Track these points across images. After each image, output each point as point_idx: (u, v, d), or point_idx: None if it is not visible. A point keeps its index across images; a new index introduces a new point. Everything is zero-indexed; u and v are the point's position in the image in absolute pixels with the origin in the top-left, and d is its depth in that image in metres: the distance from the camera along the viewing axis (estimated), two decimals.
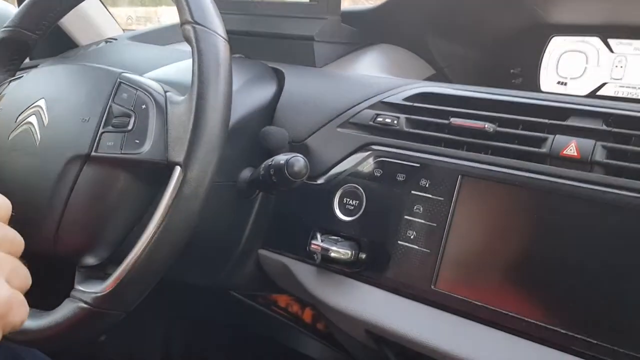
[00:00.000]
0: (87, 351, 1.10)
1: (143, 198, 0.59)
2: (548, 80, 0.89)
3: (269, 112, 0.75)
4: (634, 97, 0.82)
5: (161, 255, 0.55)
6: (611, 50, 0.84)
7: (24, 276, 0.41)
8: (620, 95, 0.83)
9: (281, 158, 0.61)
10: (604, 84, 0.84)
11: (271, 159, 0.63)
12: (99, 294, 0.55)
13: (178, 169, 0.54)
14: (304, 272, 0.68)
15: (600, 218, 0.52)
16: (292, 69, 0.80)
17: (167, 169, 0.55)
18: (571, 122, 0.57)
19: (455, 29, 0.88)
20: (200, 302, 1.18)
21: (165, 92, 0.61)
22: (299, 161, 0.60)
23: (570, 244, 0.53)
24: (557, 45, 0.88)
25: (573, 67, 0.87)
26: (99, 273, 0.60)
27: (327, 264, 0.65)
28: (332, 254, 0.63)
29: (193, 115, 0.54)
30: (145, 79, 0.63)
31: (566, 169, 0.55)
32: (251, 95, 0.74)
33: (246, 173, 0.70)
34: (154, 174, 0.57)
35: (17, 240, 0.41)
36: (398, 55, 0.89)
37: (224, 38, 0.57)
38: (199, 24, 0.56)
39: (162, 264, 0.55)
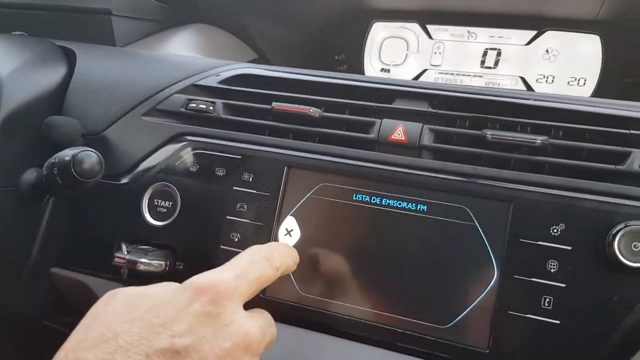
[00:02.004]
0: None
1: None
2: (372, 68, 0.88)
3: (56, 99, 0.62)
4: (452, 83, 0.83)
5: None
6: (430, 37, 0.84)
7: None
8: (439, 81, 0.84)
9: (66, 154, 0.49)
10: (424, 71, 0.85)
11: (56, 155, 0.51)
12: None
13: None
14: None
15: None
16: (86, 49, 0.67)
17: None
18: (397, 104, 0.54)
19: (277, 11, 0.82)
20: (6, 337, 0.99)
21: None
22: (89, 156, 0.49)
23: (403, 235, 0.49)
24: (379, 31, 0.87)
25: (395, 54, 0.86)
26: None
27: (137, 280, 0.54)
28: (142, 267, 0.53)
29: None
30: None
31: (395, 155, 0.51)
32: (32, 79, 0.60)
33: (30, 174, 0.58)
34: None
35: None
36: (215, 36, 0.81)
37: None
38: None
39: None
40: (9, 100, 0.56)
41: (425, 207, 0.49)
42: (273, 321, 0.41)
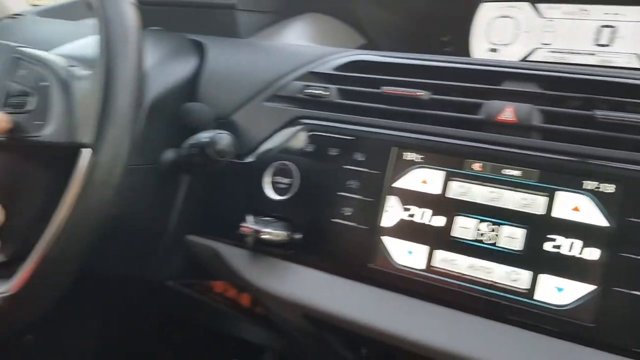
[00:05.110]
0: (11, 353, 1.02)
1: (49, 186, 0.54)
2: (479, 48, 0.88)
3: (190, 87, 0.69)
4: (564, 61, 0.81)
5: (72, 249, 0.49)
6: (540, 15, 0.83)
7: None
8: (550, 60, 0.82)
9: (204, 135, 0.56)
10: (534, 50, 0.84)
11: (193, 137, 0.58)
12: (4, 294, 0.50)
13: (86, 152, 0.48)
14: (236, 257, 0.64)
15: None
16: (215, 41, 0.74)
17: (74, 152, 0.49)
18: (506, 86, 0.56)
19: None
20: (134, 294, 1.12)
21: (70, 66, 0.54)
22: (223, 138, 0.56)
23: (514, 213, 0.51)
24: (487, 11, 0.87)
25: (504, 34, 0.86)
26: (4, 271, 0.54)
27: (261, 247, 0.61)
28: (265, 236, 0.59)
29: (100, 90, 0.49)
30: (45, 53, 0.56)
31: (503, 135, 0.53)
32: (170, 70, 0.68)
33: (169, 155, 0.65)
34: (60, 158, 0.51)
35: None
36: (327, 24, 0.85)
37: (131, 3, 0.51)
38: None
39: (74, 258, 0.50)
40: (152, 90, 0.64)
41: (536, 185, 0.51)
42: None
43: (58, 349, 1.10)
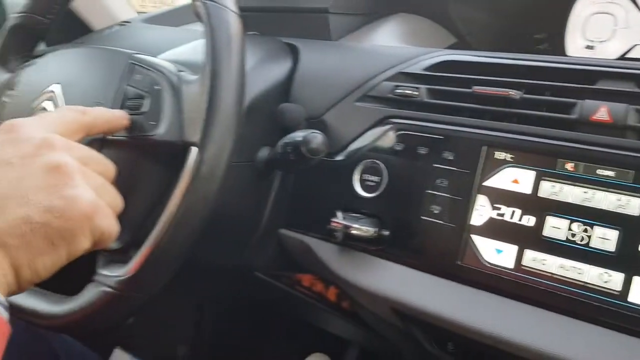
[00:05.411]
0: (115, 335, 1.10)
1: (161, 180, 0.59)
2: (575, 45, 0.86)
3: (285, 89, 0.73)
4: None
5: (181, 237, 0.54)
6: None
7: (114, 195, 0.47)
8: None
9: (298, 135, 0.60)
10: (634, 46, 0.81)
11: (288, 136, 0.62)
12: (122, 278, 0.55)
13: (194, 150, 0.53)
14: (326, 251, 0.67)
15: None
16: (308, 44, 0.78)
17: (183, 149, 0.54)
18: (601, 85, 0.55)
19: None
20: (226, 284, 1.18)
21: (179, 71, 0.59)
22: (316, 137, 0.59)
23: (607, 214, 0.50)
24: (584, 7, 0.84)
25: (601, 30, 0.83)
26: (121, 256, 0.59)
27: (350, 242, 0.63)
28: (354, 232, 0.61)
29: (207, 94, 0.53)
30: (158, 60, 0.62)
31: (597, 135, 0.53)
32: (266, 73, 0.72)
33: (264, 152, 0.69)
34: (171, 155, 0.56)
35: (109, 166, 0.48)
36: (417, 24, 0.86)
37: (235, 12, 0.55)
38: None
39: (183, 245, 0.55)
40: (250, 91, 0.68)
41: (632, 186, 0.50)
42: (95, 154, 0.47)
43: (156, 334, 1.18)
